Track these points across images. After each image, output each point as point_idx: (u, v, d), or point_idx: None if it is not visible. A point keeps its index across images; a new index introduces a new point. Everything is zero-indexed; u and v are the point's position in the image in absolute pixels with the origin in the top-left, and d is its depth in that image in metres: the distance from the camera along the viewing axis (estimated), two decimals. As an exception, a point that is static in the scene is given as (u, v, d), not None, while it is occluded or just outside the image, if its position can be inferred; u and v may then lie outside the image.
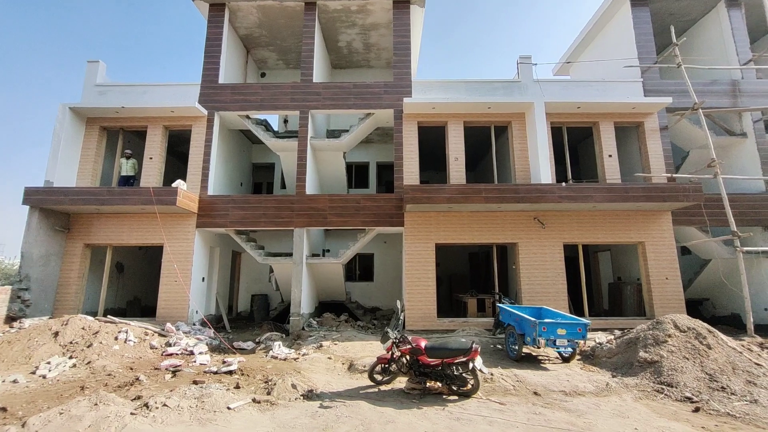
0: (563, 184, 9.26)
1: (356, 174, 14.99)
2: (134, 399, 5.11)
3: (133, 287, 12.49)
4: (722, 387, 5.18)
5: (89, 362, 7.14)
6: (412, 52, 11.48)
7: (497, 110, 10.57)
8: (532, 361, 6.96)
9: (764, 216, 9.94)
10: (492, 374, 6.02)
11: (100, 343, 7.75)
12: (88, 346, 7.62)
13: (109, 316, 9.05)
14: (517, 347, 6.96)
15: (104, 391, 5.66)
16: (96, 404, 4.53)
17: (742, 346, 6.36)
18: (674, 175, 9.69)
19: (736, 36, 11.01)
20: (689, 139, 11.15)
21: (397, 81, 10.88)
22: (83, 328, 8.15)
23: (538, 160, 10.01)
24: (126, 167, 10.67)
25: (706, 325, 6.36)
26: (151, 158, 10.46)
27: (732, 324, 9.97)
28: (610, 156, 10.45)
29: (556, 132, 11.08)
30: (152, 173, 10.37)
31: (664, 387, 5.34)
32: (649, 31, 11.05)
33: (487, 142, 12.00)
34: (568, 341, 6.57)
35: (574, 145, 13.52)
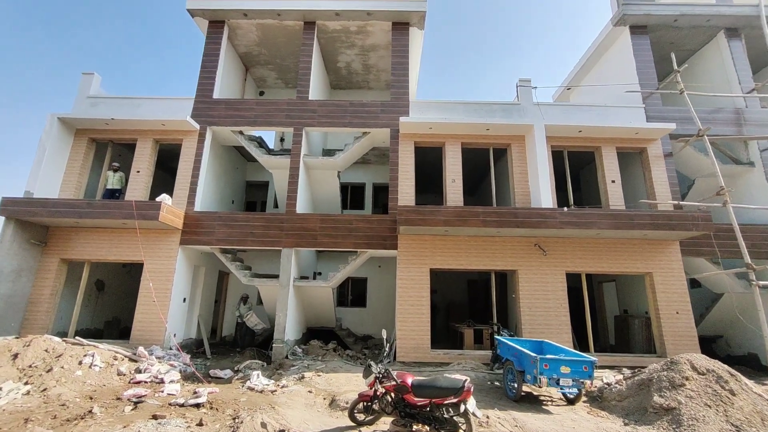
0: (565, 209, 8.84)
1: (352, 195, 14.64)
2: (77, 437, 4.47)
3: (114, 307, 11.82)
4: (752, 442, 4.52)
5: (45, 389, 6.47)
6: (411, 73, 11.41)
7: (496, 132, 10.33)
8: (533, 402, 6.27)
9: (778, 248, 9.42)
10: (488, 417, 5.36)
11: (62, 367, 7.09)
12: (48, 371, 6.96)
13: (77, 337, 8.41)
14: (516, 386, 6.29)
15: (49, 425, 5.02)
16: (26, 444, 3.91)
17: (769, 392, 5.69)
18: (681, 203, 9.27)
19: (737, 65, 10.92)
20: (695, 168, 10.82)
21: (394, 101, 10.72)
22: (46, 350, 7.50)
23: (538, 184, 9.65)
24: (112, 180, 10.32)
25: (726, 367, 5.73)
26: (138, 172, 10.14)
27: (749, 365, 9.24)
28: (613, 182, 10.10)
29: (557, 157, 10.79)
30: (138, 187, 10.01)
31: (684, 439, 4.67)
32: (650, 59, 10.98)
33: (487, 167, 11.70)
34: (573, 381, 5.92)
35: (575, 171, 13.22)
